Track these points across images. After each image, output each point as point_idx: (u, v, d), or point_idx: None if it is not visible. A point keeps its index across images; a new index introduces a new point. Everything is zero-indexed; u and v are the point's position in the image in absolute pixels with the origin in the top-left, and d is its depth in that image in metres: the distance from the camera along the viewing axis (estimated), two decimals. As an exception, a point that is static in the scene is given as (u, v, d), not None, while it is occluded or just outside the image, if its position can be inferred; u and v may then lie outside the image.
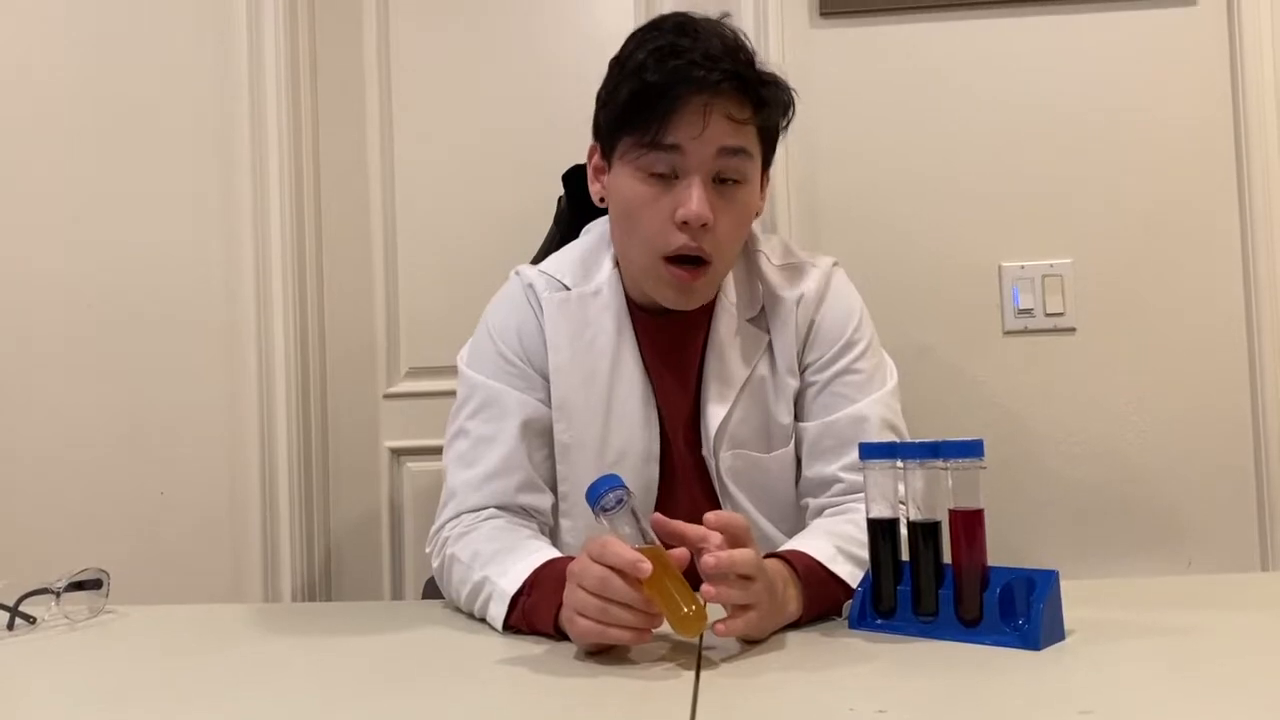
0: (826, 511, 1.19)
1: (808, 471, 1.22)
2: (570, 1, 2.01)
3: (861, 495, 1.06)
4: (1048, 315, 1.86)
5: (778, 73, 1.19)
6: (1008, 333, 1.87)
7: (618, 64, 1.16)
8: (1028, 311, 1.86)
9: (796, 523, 1.23)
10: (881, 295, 1.53)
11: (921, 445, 0.95)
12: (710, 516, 0.95)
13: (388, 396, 2.02)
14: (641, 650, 0.94)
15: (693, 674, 0.87)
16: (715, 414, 1.21)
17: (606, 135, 1.18)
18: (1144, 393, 1.85)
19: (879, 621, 0.98)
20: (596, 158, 1.23)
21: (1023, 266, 1.86)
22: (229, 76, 1.96)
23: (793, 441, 1.23)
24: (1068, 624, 0.92)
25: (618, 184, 1.17)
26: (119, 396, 1.94)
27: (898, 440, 1.20)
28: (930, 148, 1.88)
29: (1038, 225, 1.86)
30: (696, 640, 0.95)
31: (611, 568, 0.89)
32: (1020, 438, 1.85)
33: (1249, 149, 1.82)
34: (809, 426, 1.22)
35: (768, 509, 1.23)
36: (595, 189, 1.24)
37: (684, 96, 1.09)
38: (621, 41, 1.19)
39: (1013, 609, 0.91)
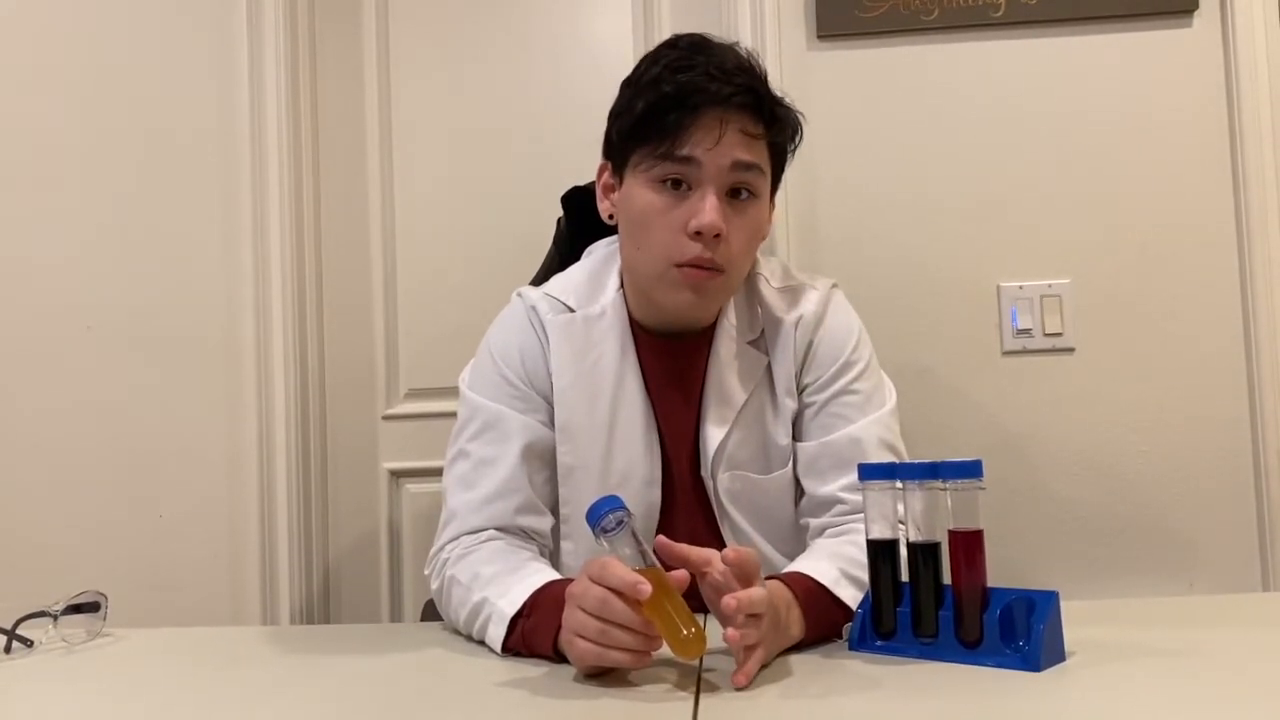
0: (827, 532, 1.19)
1: (807, 491, 1.22)
2: (571, 22, 2.02)
3: (862, 515, 1.06)
4: (1046, 335, 1.86)
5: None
6: (1006, 353, 1.87)
7: (632, 81, 1.17)
8: (1026, 332, 1.86)
9: (796, 544, 1.23)
10: (880, 316, 1.53)
11: (921, 466, 0.95)
12: (730, 554, 0.93)
13: (387, 418, 2.02)
14: (641, 672, 0.93)
15: (692, 697, 0.86)
16: (714, 436, 1.21)
17: (619, 149, 1.18)
18: (1143, 413, 1.85)
19: (879, 643, 0.97)
20: (606, 175, 1.23)
21: (1021, 287, 1.86)
22: (228, 103, 1.97)
23: (791, 463, 1.23)
24: (1068, 645, 0.92)
25: (630, 196, 1.17)
26: (117, 419, 1.94)
27: (896, 461, 1.20)
28: (928, 168, 1.88)
29: (1035, 245, 1.87)
30: (696, 663, 0.95)
31: (611, 589, 0.89)
32: (1019, 458, 1.85)
33: (1245, 167, 1.83)
34: (807, 446, 1.22)
35: (766, 530, 1.22)
36: (604, 206, 1.24)
37: (699, 108, 1.10)
38: (623, 60, 1.20)
39: (1013, 630, 0.91)
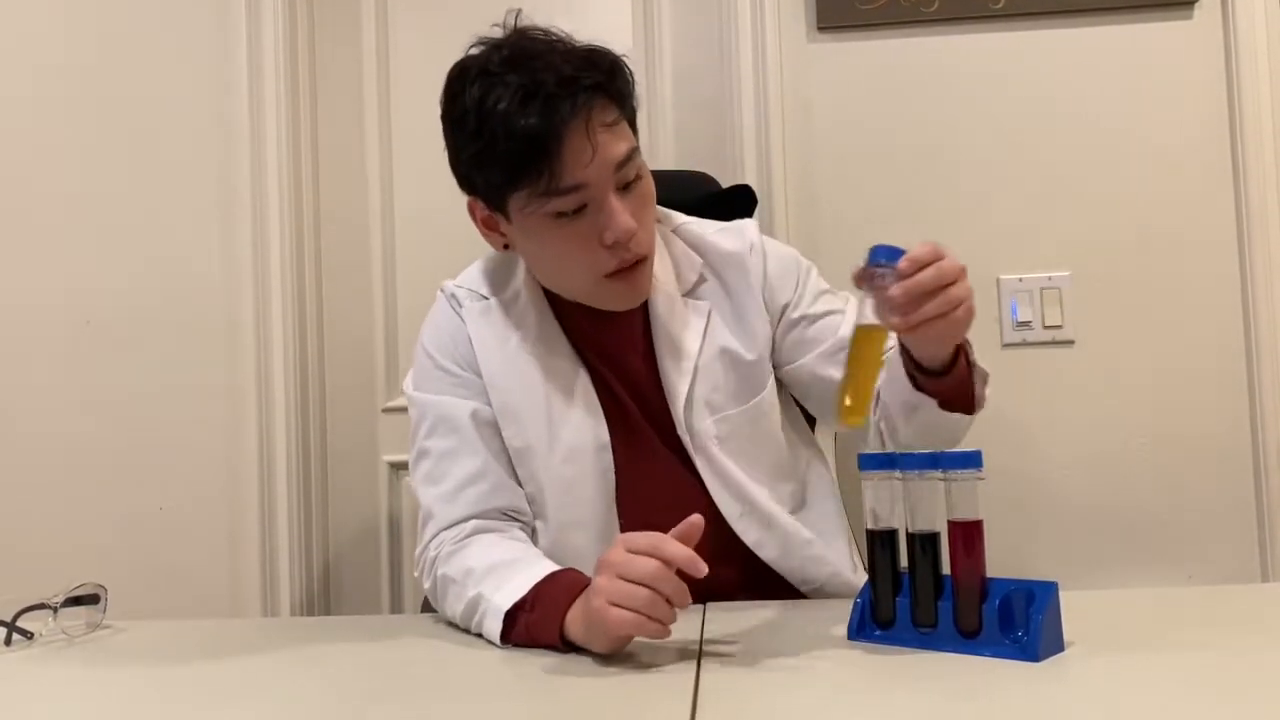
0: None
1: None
2: (570, 22, 2.00)
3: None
4: (1046, 328, 1.86)
5: (626, 52, 1.17)
6: (1006, 345, 1.87)
7: (472, 117, 1.07)
8: (1026, 324, 1.86)
9: (785, 480, 1.25)
10: (880, 308, 1.53)
11: (920, 456, 0.95)
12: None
13: (386, 411, 2.03)
14: (640, 653, 0.94)
15: (692, 679, 0.86)
16: (680, 389, 1.21)
17: (492, 195, 1.13)
18: (1142, 405, 1.85)
19: (878, 632, 0.97)
20: (481, 210, 1.18)
21: (1021, 279, 1.86)
22: (227, 99, 1.96)
23: (769, 384, 1.25)
24: (1067, 635, 0.92)
25: (524, 233, 1.14)
26: (117, 412, 1.94)
27: None
28: (927, 161, 1.88)
29: (1035, 237, 1.87)
30: (697, 646, 0.95)
31: (665, 560, 0.90)
32: (1019, 450, 1.85)
33: (1245, 160, 1.83)
34: (823, 349, 1.24)
35: (754, 470, 1.23)
36: (495, 240, 1.20)
37: (562, 132, 1.05)
38: (617, 46, 1.16)
39: (1012, 620, 0.91)
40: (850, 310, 1.26)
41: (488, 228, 1.20)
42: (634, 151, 1.12)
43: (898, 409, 1.15)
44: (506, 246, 1.21)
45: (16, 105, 1.96)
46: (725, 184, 1.71)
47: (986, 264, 1.87)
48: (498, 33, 1.13)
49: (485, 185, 1.13)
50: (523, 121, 1.04)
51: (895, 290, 0.93)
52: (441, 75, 1.13)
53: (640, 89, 1.17)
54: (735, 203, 1.54)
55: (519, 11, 1.14)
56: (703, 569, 0.89)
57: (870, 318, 0.96)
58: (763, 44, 1.90)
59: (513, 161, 1.06)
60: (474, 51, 1.12)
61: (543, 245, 1.15)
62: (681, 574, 0.90)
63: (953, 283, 0.97)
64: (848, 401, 0.94)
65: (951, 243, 1.83)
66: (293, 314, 1.95)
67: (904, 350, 1.11)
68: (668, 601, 0.90)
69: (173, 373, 1.95)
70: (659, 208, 1.26)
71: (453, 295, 1.27)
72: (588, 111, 1.06)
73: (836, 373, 1.22)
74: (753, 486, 1.22)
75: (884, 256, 0.96)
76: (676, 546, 0.90)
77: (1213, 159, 1.85)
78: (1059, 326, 1.86)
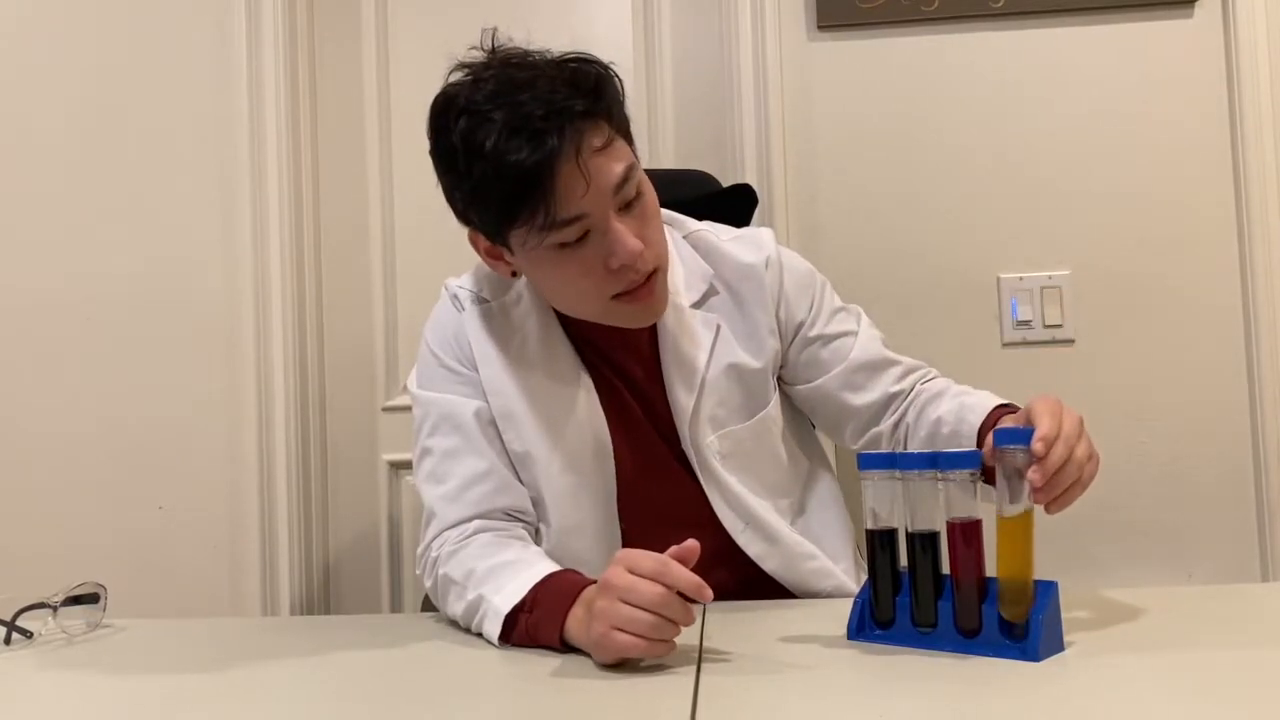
0: (913, 408, 1.23)
1: (858, 405, 1.24)
2: (570, 21, 2.02)
3: (923, 373, 1.25)
4: (1046, 327, 1.86)
5: (610, 55, 1.13)
6: (1006, 344, 1.87)
7: (461, 156, 1.05)
8: (1026, 323, 1.86)
9: (787, 494, 1.25)
10: (880, 307, 1.53)
11: (920, 456, 0.95)
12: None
13: (386, 410, 2.03)
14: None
15: (692, 679, 0.86)
16: (686, 404, 1.20)
17: (491, 230, 1.11)
18: (1142, 404, 1.85)
19: (878, 632, 0.97)
20: (483, 242, 1.15)
21: (1021, 278, 1.86)
22: (227, 93, 1.96)
23: (774, 399, 1.24)
24: (1067, 635, 0.92)
25: (532, 264, 1.13)
26: (117, 411, 1.94)
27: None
28: (928, 160, 1.88)
29: (1036, 237, 1.87)
30: (696, 645, 0.95)
31: (669, 586, 0.90)
32: (1019, 449, 1.85)
33: (1246, 159, 1.83)
34: (835, 373, 1.24)
35: (758, 484, 1.22)
36: (501, 268, 1.18)
37: (553, 166, 1.01)
38: (623, 59, 1.14)
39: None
40: (863, 329, 1.27)
41: (492, 257, 1.18)
42: (631, 169, 1.08)
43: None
44: (514, 274, 1.19)
45: (16, 105, 1.96)
46: (725, 183, 1.71)
47: (987, 263, 1.87)
48: (477, 54, 1.10)
49: (482, 222, 1.11)
50: (512, 159, 1.01)
51: (1034, 476, 0.90)
52: (442, 75, 1.13)
53: (640, 89, 1.17)
54: (735, 202, 1.54)
55: (495, 30, 1.11)
56: (708, 595, 0.89)
57: (1008, 504, 0.92)
58: (763, 43, 1.89)
59: (506, 200, 1.04)
60: (455, 78, 1.10)
61: (549, 275, 1.13)
62: (684, 595, 0.90)
63: (1077, 440, 0.95)
64: (1011, 601, 0.90)
65: (951, 242, 1.87)
66: (293, 313, 1.94)
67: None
68: (672, 622, 0.90)
69: (173, 372, 1.95)
70: (669, 212, 1.24)
71: (455, 295, 1.26)
72: (577, 140, 1.03)
73: (853, 397, 1.24)
74: (755, 502, 1.21)
75: (1009, 441, 0.92)
76: (682, 572, 0.90)
77: (1213, 158, 1.85)
78: (1059, 326, 1.86)
